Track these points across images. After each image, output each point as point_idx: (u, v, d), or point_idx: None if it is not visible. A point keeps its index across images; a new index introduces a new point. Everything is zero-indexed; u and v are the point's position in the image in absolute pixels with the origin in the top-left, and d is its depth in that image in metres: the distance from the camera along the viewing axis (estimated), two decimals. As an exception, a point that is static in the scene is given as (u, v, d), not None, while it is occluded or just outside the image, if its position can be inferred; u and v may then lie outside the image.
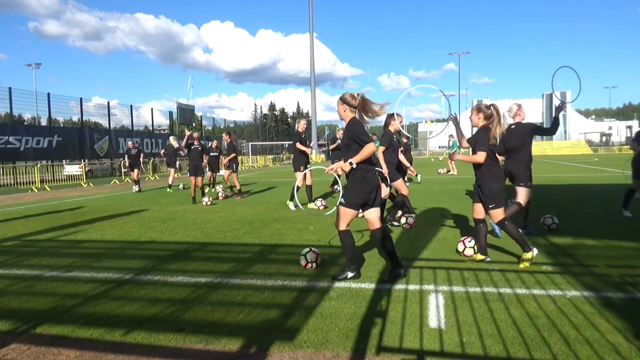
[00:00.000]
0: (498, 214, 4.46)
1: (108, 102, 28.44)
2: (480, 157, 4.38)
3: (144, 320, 3.27)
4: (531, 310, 3.26)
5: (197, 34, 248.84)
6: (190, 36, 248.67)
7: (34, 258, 5.41)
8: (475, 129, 4.63)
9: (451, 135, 20.96)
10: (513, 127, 5.77)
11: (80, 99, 26.12)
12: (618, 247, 5.14)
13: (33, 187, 17.50)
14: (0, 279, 4.49)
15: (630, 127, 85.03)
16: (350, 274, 4.09)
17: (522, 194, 5.57)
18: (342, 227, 4.05)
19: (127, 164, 15.90)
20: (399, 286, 3.90)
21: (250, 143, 48.32)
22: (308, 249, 4.58)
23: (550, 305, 3.35)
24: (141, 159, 15.91)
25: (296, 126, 9.68)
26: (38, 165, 19.52)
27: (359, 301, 3.56)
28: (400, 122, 5.74)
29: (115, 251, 5.72)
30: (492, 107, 4.49)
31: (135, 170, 15.14)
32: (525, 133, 5.64)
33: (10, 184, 18.42)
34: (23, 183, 18.61)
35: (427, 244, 5.54)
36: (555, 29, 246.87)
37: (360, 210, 4.15)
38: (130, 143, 16.01)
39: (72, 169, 22.48)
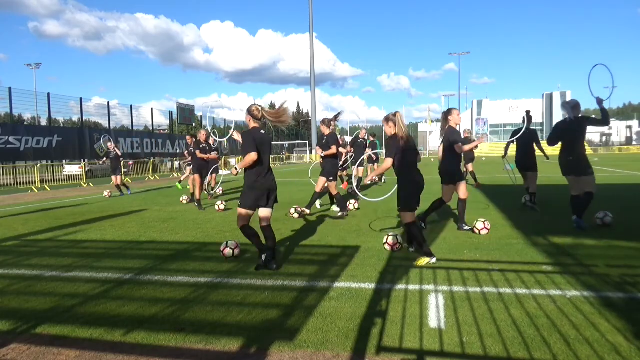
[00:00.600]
0: (406, 217, 4.72)
1: (108, 102, 28.48)
2: (388, 162, 4.67)
3: (144, 320, 3.27)
4: (531, 310, 3.26)
5: (197, 34, 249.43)
6: (190, 36, 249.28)
7: (34, 258, 5.41)
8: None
9: None
10: (568, 121, 6.13)
11: (80, 99, 26.15)
12: (618, 247, 5.14)
13: (33, 187, 17.50)
14: (0, 279, 4.49)
15: (630, 127, 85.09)
16: (263, 257, 4.56)
17: (591, 183, 5.99)
18: (241, 224, 4.58)
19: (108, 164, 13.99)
20: (399, 286, 3.90)
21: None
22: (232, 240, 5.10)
23: (550, 305, 3.35)
24: (121, 163, 14.12)
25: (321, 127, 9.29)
26: (38, 165, 19.51)
27: (359, 301, 3.56)
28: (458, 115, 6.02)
29: (115, 251, 5.71)
30: (396, 114, 4.78)
31: (118, 176, 13.63)
32: (578, 127, 6.03)
33: (10, 184, 18.42)
34: (23, 183, 18.61)
35: (427, 244, 5.53)
36: (556, 29, 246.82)
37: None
38: (110, 144, 13.93)
39: (72, 169, 22.48)
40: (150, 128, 34.32)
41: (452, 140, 5.97)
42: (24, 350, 2.85)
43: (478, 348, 2.72)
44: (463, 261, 4.70)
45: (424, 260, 4.57)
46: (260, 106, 4.58)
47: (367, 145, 13.71)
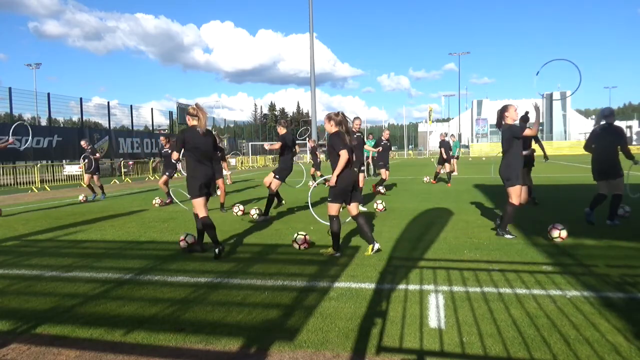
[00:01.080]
0: (332, 208, 4.99)
1: (108, 102, 28.41)
2: (344, 155, 4.82)
3: (144, 320, 3.27)
4: (531, 310, 3.26)
5: (197, 34, 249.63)
6: (190, 36, 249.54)
7: (34, 258, 5.41)
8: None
9: (452, 135, 20.95)
10: (601, 129, 6.47)
11: (80, 99, 26.09)
12: (618, 247, 5.14)
13: (33, 187, 17.50)
14: (0, 279, 4.49)
15: (630, 127, 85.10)
16: (217, 251, 5.11)
17: (620, 185, 6.35)
18: (201, 214, 5.15)
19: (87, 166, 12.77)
20: (399, 286, 3.90)
21: (250, 143, 48.31)
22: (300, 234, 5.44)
23: (550, 305, 3.35)
24: (98, 162, 12.84)
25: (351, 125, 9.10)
26: (38, 165, 19.51)
27: (359, 301, 3.56)
28: (515, 111, 5.91)
29: (115, 251, 5.71)
30: (340, 114, 5.07)
31: (95, 176, 12.35)
32: (611, 135, 6.41)
33: (10, 184, 18.40)
34: (23, 183, 18.59)
35: (427, 244, 5.54)
36: (556, 29, 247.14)
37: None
38: (83, 143, 12.59)
39: (72, 169, 22.44)
40: (150, 128, 34.30)
41: (517, 135, 5.64)
42: (24, 350, 2.85)
43: (478, 348, 2.72)
44: (463, 261, 4.70)
45: (330, 251, 5.04)
46: (196, 106, 5.17)
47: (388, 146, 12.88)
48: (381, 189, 11.50)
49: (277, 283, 4.09)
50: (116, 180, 21.19)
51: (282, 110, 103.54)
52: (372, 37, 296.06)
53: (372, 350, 2.72)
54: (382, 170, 11.82)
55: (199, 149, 5.11)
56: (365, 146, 9.02)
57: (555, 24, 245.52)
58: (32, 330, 3.15)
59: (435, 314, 3.25)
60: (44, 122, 28.89)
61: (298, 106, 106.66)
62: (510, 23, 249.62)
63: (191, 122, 5.18)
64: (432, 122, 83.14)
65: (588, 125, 78.67)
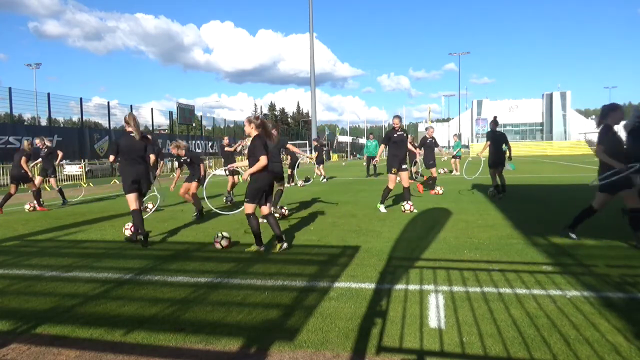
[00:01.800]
0: (248, 208, 5.23)
1: (108, 102, 28.45)
2: (263, 160, 5.11)
3: (144, 320, 3.28)
4: (531, 310, 3.26)
5: (197, 34, 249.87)
6: (190, 36, 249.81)
7: (34, 258, 5.41)
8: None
9: (455, 135, 21.06)
10: (635, 127, 6.39)
11: (80, 99, 26.13)
12: (618, 247, 5.14)
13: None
14: (0, 279, 4.49)
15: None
16: (138, 237, 5.81)
17: None
18: (132, 207, 5.85)
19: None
20: (399, 286, 3.90)
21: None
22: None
23: (550, 305, 3.35)
24: (57, 161, 11.67)
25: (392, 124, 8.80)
26: (38, 165, 19.49)
27: (359, 301, 3.56)
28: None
29: (115, 251, 5.71)
30: (259, 117, 5.40)
31: (52, 179, 11.45)
32: None
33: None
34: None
35: (427, 244, 5.54)
36: (556, 29, 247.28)
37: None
38: (37, 141, 10.97)
39: (72, 169, 22.45)
40: (150, 128, 34.30)
41: (597, 140, 5.33)
42: (24, 350, 2.85)
43: (478, 348, 2.72)
44: (463, 261, 4.70)
45: (254, 248, 5.27)
46: (132, 114, 5.94)
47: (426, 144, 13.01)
48: (439, 189, 11.37)
49: (277, 283, 4.09)
50: (116, 180, 21.16)
51: (282, 110, 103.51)
52: (372, 37, 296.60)
53: (372, 350, 2.72)
54: (433, 170, 12.28)
55: (131, 152, 5.80)
56: (409, 146, 8.93)
57: (555, 24, 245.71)
58: (32, 330, 3.15)
59: (435, 314, 3.25)
60: (44, 122, 28.90)
61: (298, 106, 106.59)
62: (510, 23, 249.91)
63: (128, 128, 5.86)
64: (432, 122, 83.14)
65: (588, 126, 78.66)
